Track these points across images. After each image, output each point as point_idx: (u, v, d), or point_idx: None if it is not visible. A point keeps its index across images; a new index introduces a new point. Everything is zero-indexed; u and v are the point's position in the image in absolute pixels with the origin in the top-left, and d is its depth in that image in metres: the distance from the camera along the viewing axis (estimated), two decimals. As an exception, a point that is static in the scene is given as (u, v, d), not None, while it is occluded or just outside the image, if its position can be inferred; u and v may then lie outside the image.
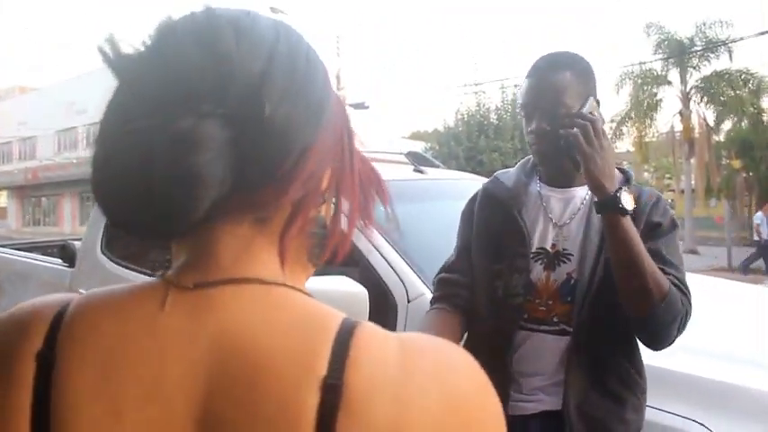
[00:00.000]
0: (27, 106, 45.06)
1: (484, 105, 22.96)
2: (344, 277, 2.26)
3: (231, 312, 0.61)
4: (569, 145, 1.59)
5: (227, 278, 0.62)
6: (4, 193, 47.12)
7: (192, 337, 0.60)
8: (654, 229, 1.65)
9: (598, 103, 1.67)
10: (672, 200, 27.34)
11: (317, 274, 2.20)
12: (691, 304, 1.59)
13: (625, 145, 25.53)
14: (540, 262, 1.74)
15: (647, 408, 1.73)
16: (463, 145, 22.01)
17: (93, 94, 34.93)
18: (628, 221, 1.54)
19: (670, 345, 1.61)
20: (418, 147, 22.95)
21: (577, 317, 1.67)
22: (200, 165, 0.56)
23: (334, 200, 0.69)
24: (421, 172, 3.28)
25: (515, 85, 22.70)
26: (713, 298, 3.05)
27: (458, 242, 1.96)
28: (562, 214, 1.76)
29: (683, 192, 24.21)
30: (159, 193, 0.57)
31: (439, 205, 2.97)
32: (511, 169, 1.92)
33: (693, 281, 3.20)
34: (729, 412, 1.82)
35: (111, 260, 3.63)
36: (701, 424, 1.78)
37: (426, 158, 3.91)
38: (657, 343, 1.61)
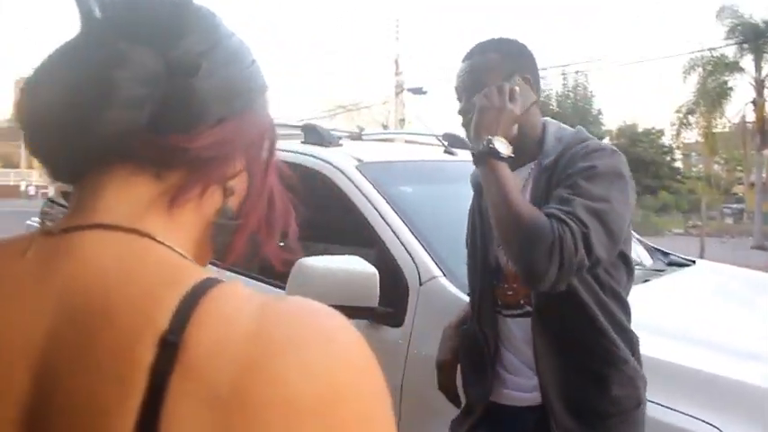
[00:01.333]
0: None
1: (544, 92, 22.49)
2: (356, 257, 2.22)
3: (87, 257, 0.58)
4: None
5: (96, 223, 0.60)
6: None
7: (42, 282, 0.57)
8: (563, 181, 1.57)
9: (529, 81, 1.72)
10: (742, 193, 26.22)
11: (333, 252, 2.16)
12: (577, 232, 1.43)
13: (693, 135, 24.69)
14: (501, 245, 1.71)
15: (654, 405, 1.64)
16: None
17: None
18: (502, 167, 1.54)
19: (545, 279, 1.44)
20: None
21: (534, 296, 1.64)
22: (121, 79, 0.59)
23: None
24: (451, 153, 3.19)
25: (577, 72, 22.19)
26: None
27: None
28: None
29: (752, 185, 23.25)
30: (78, 102, 0.59)
31: (466, 187, 2.88)
32: None
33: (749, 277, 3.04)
34: (745, 415, 1.70)
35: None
36: (714, 426, 1.66)
37: (462, 140, 3.82)
38: (525, 274, 1.49)
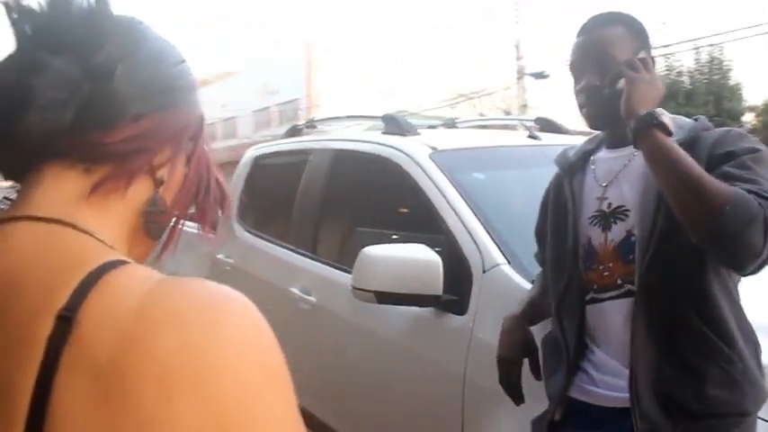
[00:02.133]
0: (228, 89, 48.94)
1: (674, 68, 21.21)
2: (420, 245, 2.23)
3: (13, 244, 0.64)
4: (613, 94, 1.54)
5: (26, 215, 0.66)
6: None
7: None
8: (723, 159, 1.46)
9: (653, 60, 1.61)
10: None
11: (404, 240, 2.18)
12: None
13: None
14: (597, 225, 1.64)
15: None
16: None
17: (283, 75, 37.00)
18: (665, 138, 1.42)
19: (758, 260, 1.34)
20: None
21: (639, 275, 1.52)
22: (35, 85, 0.65)
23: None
24: (535, 138, 3.11)
25: (711, 45, 20.78)
26: None
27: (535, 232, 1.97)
28: (610, 173, 1.65)
29: None
30: (7, 103, 0.66)
31: (543, 172, 2.81)
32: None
33: None
34: None
35: (244, 228, 3.85)
36: None
37: (555, 124, 3.71)
38: (737, 255, 1.36)
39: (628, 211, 1.59)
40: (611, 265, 1.60)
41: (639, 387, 1.49)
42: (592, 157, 1.73)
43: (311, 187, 3.30)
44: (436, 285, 2.14)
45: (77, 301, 0.57)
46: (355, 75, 38.55)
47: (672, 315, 1.50)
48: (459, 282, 2.20)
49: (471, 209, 2.36)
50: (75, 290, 0.58)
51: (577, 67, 1.64)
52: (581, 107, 1.64)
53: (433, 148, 2.71)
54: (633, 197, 1.58)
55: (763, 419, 1.52)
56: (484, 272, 2.17)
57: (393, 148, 2.80)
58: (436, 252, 2.20)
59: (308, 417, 3.09)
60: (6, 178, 0.73)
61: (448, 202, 2.40)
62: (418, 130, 3.02)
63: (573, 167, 1.76)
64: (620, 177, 1.63)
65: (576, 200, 1.69)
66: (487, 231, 2.27)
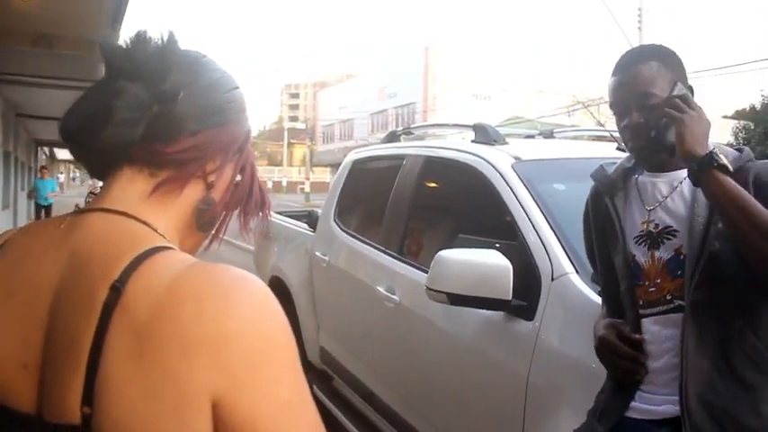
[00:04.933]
0: (347, 91, 50.06)
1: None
2: (493, 251, 2.33)
3: (90, 229, 0.84)
4: (660, 130, 1.60)
5: (101, 207, 0.86)
6: (328, 169, 53.05)
7: (63, 243, 0.83)
8: None
9: (690, 89, 1.67)
10: None
11: (482, 245, 2.31)
12: None
13: None
14: (643, 244, 1.70)
15: None
16: (783, 124, 19.29)
17: (401, 79, 37.31)
18: (728, 180, 1.48)
19: None
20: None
21: (690, 290, 1.58)
22: (115, 106, 0.83)
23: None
24: (623, 150, 3.12)
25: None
26: None
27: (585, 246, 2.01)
28: (657, 196, 1.71)
29: None
30: (94, 119, 0.84)
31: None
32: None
33: None
34: None
35: (341, 228, 4.07)
36: None
37: None
38: None
39: (676, 231, 1.64)
40: (658, 281, 1.66)
41: (690, 401, 1.53)
42: (634, 178, 1.78)
43: (402, 191, 3.46)
44: (506, 290, 2.24)
45: (127, 276, 0.76)
46: (469, 79, 38.42)
47: (725, 330, 1.54)
48: (528, 288, 2.29)
49: (546, 218, 2.43)
50: (127, 267, 0.76)
51: (619, 107, 1.70)
52: (626, 142, 1.72)
53: (517, 158, 2.80)
54: (681, 219, 1.64)
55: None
56: (552, 279, 2.25)
57: (478, 156, 2.91)
58: (509, 259, 2.29)
59: (382, 406, 3.26)
60: (92, 177, 0.93)
61: (524, 211, 2.48)
62: (507, 140, 3.11)
63: (614, 186, 1.81)
64: (667, 202, 1.68)
65: (620, 220, 1.75)
66: (559, 241, 2.34)
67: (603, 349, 1.71)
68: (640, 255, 1.70)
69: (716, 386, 1.52)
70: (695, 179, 1.54)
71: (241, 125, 0.94)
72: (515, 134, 4.46)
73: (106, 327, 0.74)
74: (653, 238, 1.68)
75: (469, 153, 3.01)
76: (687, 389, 1.54)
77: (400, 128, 4.43)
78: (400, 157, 3.67)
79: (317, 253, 4.17)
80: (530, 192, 2.56)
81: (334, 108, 50.99)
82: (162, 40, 0.88)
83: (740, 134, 20.80)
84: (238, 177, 0.95)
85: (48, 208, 15.91)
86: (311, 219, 4.62)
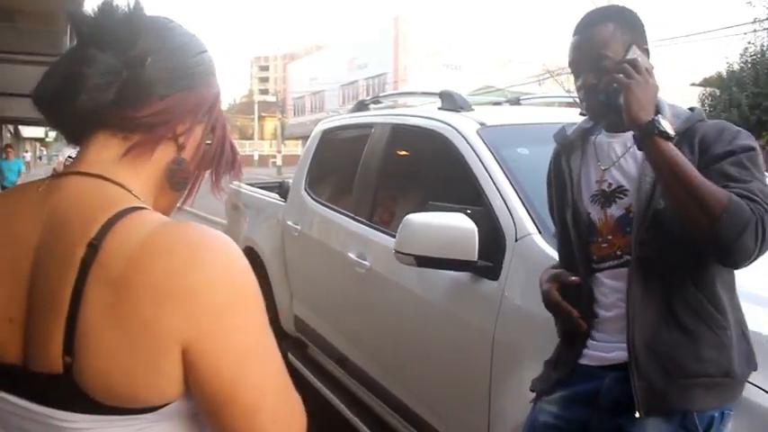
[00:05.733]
0: (317, 63, 49.63)
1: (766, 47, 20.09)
2: (459, 214, 2.39)
3: (67, 192, 0.88)
4: (610, 93, 1.64)
5: (76, 171, 0.91)
6: (300, 142, 52.78)
7: (41, 205, 0.88)
8: (720, 158, 1.59)
9: (646, 51, 1.71)
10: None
11: (450, 209, 2.35)
12: None
13: None
14: (597, 203, 1.77)
15: (751, 386, 1.62)
16: (748, 91, 19.60)
17: (371, 50, 37.16)
18: (669, 146, 1.53)
19: (750, 258, 1.50)
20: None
21: (635, 245, 1.66)
22: (86, 72, 0.87)
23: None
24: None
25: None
26: None
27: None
28: (611, 156, 1.77)
29: None
30: (66, 85, 0.88)
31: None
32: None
33: None
34: None
35: (311, 197, 4.11)
36: (766, 390, 1.62)
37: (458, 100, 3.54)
38: (732, 256, 1.51)
39: (627, 191, 1.72)
40: (610, 237, 1.74)
41: (637, 348, 1.62)
42: (591, 138, 1.85)
43: (371, 159, 3.50)
44: (471, 251, 2.31)
45: (103, 234, 0.81)
46: (439, 49, 38.31)
47: (669, 283, 1.63)
48: (493, 249, 2.36)
49: (510, 181, 2.50)
50: (103, 226, 0.82)
51: (575, 66, 1.76)
52: (581, 101, 1.77)
53: (482, 124, 2.85)
54: (632, 179, 1.71)
55: (754, 384, 1.63)
56: (516, 240, 2.32)
57: (444, 122, 2.96)
58: (476, 222, 2.36)
59: (356, 370, 3.34)
60: (69, 142, 0.97)
61: (489, 175, 2.55)
62: (473, 107, 3.17)
63: (571, 146, 1.88)
64: (620, 161, 1.75)
65: (574, 179, 1.82)
66: (523, 203, 2.41)
67: (548, 303, 1.82)
68: (594, 212, 1.77)
69: (661, 334, 1.61)
70: (639, 144, 1.60)
71: (209, 88, 0.98)
72: (484, 102, 4.53)
73: (84, 281, 0.79)
74: (606, 197, 1.75)
75: (436, 120, 3.06)
76: (634, 337, 1.63)
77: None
78: (369, 126, 3.71)
79: (289, 222, 4.21)
80: (494, 156, 2.63)
81: (304, 80, 50.58)
82: (129, 7, 0.91)
83: (706, 101, 21.08)
84: (210, 138, 0.99)
85: None
86: (282, 189, 4.65)
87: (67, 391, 0.80)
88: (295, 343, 4.27)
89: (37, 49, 9.38)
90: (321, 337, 3.82)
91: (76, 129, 0.93)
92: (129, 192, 0.89)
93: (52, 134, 49.38)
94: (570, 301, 1.77)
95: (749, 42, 20.55)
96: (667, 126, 1.53)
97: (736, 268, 1.60)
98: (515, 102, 4.20)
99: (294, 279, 4.22)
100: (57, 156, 39.49)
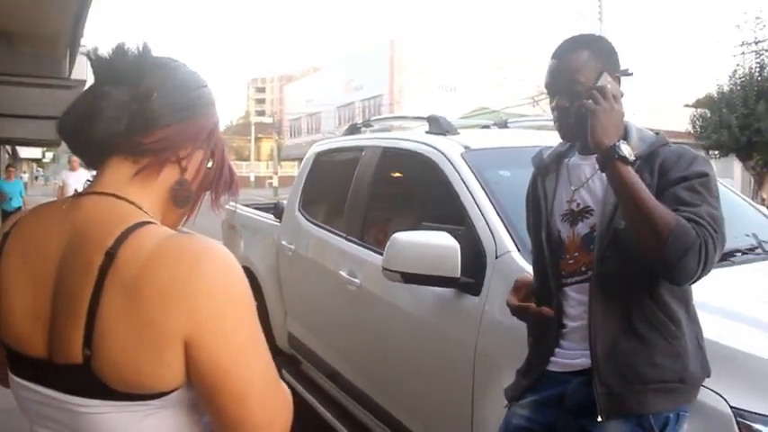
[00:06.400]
0: (313, 85, 49.99)
1: (767, 66, 20.40)
2: (443, 233, 2.53)
3: (85, 210, 1.02)
4: (579, 117, 1.78)
5: (95, 191, 1.05)
6: (296, 164, 52.96)
7: (65, 223, 1.02)
8: (675, 182, 1.73)
9: (617, 78, 1.85)
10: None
11: (426, 228, 2.49)
12: (714, 237, 1.61)
13: None
14: (566, 221, 1.91)
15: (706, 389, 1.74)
16: (738, 112, 19.86)
17: (367, 71, 37.30)
18: (629, 170, 1.66)
19: (692, 278, 1.64)
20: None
21: (597, 263, 1.80)
22: (102, 106, 1.02)
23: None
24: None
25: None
26: None
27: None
28: (581, 177, 1.91)
29: None
30: (85, 117, 1.03)
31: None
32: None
33: None
34: (749, 384, 1.76)
35: (305, 217, 4.24)
36: (718, 393, 1.75)
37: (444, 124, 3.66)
38: (675, 274, 1.65)
39: (592, 210, 1.86)
40: (576, 254, 1.88)
41: (599, 357, 1.76)
42: (565, 161, 1.99)
43: (362, 180, 3.65)
44: (454, 268, 2.44)
45: (118, 245, 0.95)
46: (434, 71, 38.66)
47: (628, 297, 1.77)
48: (475, 266, 2.50)
49: (491, 202, 2.65)
50: (117, 238, 0.95)
51: (550, 89, 1.90)
52: (554, 122, 1.91)
53: (466, 147, 3.01)
54: (597, 200, 1.85)
55: (708, 389, 1.77)
56: (496, 257, 2.46)
57: (430, 146, 3.12)
58: (460, 241, 2.50)
59: (346, 384, 3.46)
60: (88, 166, 1.11)
61: (471, 196, 2.70)
62: (458, 131, 3.32)
63: (547, 168, 2.03)
64: (589, 183, 1.89)
65: (548, 199, 1.97)
66: (503, 222, 2.55)
67: (513, 311, 1.99)
68: (564, 230, 1.91)
69: (620, 344, 1.75)
70: (600, 167, 1.73)
71: (208, 117, 1.12)
72: (473, 125, 4.68)
73: (102, 285, 0.93)
74: (574, 216, 1.89)
75: (422, 143, 3.22)
76: (596, 346, 1.77)
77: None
78: (360, 149, 3.86)
79: (283, 242, 4.34)
80: (477, 178, 2.77)
81: (300, 102, 50.91)
82: (138, 49, 1.06)
83: (697, 122, 21.35)
84: (210, 161, 1.13)
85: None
86: (277, 210, 4.79)
87: (86, 379, 0.94)
88: (289, 360, 4.38)
89: (36, 71, 9.55)
90: (313, 353, 3.94)
91: (94, 154, 1.07)
92: (140, 208, 1.03)
93: (49, 155, 49.63)
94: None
95: (737, 65, 20.84)
96: (627, 151, 1.66)
97: (680, 286, 1.73)
98: (503, 125, 4.36)
99: (288, 297, 4.35)
100: (53, 179, 39.58)
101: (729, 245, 2.66)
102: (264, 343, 1.01)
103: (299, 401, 3.85)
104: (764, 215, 3.35)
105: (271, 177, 48.95)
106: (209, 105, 1.13)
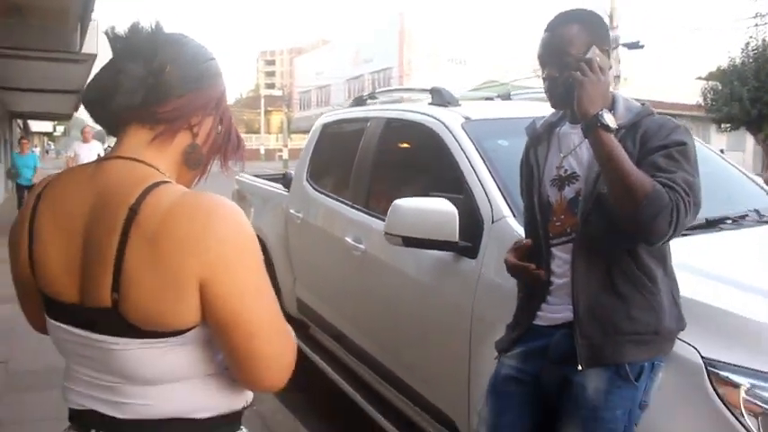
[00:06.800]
0: (323, 57, 49.80)
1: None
2: (441, 199, 2.65)
3: (109, 172, 1.16)
4: (567, 87, 1.89)
5: (117, 155, 1.18)
6: (306, 136, 52.94)
7: (91, 184, 1.15)
8: (654, 150, 1.84)
9: (606, 51, 1.94)
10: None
11: (427, 195, 2.63)
12: (687, 201, 1.73)
13: None
14: (555, 186, 2.04)
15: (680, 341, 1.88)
16: (749, 85, 19.76)
17: (376, 44, 37.03)
18: (611, 138, 1.77)
19: (663, 238, 1.76)
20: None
21: (581, 224, 1.93)
22: (121, 80, 1.15)
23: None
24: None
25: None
26: None
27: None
28: (570, 145, 2.03)
29: None
30: (106, 90, 1.15)
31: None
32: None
33: None
34: (721, 337, 1.88)
35: (312, 186, 4.37)
36: (692, 345, 1.88)
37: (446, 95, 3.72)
38: (647, 235, 1.77)
39: (578, 176, 1.98)
40: (563, 217, 2.01)
41: (581, 312, 1.90)
42: (556, 130, 2.11)
43: (367, 150, 3.77)
44: (453, 233, 2.57)
45: (140, 201, 1.08)
46: (443, 43, 38.42)
47: (609, 256, 1.90)
48: (473, 230, 2.62)
49: (489, 170, 2.76)
50: (139, 195, 1.08)
51: (542, 60, 2.01)
52: (545, 92, 2.03)
53: (467, 118, 3.12)
54: (584, 166, 1.97)
55: (683, 341, 1.91)
56: (493, 222, 2.59)
57: (432, 117, 3.23)
58: (460, 207, 2.62)
59: (352, 346, 3.62)
60: (109, 134, 1.23)
61: (470, 164, 2.82)
62: (460, 102, 3.43)
63: (539, 137, 2.15)
64: (577, 150, 2.00)
65: (539, 166, 2.09)
66: (499, 189, 2.67)
67: (510, 269, 2.09)
68: (552, 195, 2.04)
69: (600, 299, 1.89)
70: (584, 134, 1.84)
71: (217, 87, 1.24)
72: (478, 98, 4.78)
73: (126, 237, 1.06)
74: (561, 181, 2.01)
75: (425, 114, 3.33)
76: (578, 301, 1.90)
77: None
78: (365, 120, 3.97)
79: (292, 210, 4.48)
80: (476, 147, 2.89)
81: (310, 74, 50.79)
82: (151, 27, 1.18)
83: (708, 95, 21.25)
84: (219, 127, 1.25)
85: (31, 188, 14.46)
86: (286, 180, 4.93)
87: (115, 320, 1.07)
88: (298, 325, 4.54)
89: (47, 45, 9.65)
90: (320, 317, 4.10)
91: (114, 124, 1.20)
92: (157, 170, 1.16)
93: (60, 128, 49.82)
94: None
95: (750, 37, 20.65)
96: (610, 120, 1.77)
97: (651, 245, 1.84)
98: (506, 97, 4.45)
99: (297, 264, 4.50)
100: (64, 152, 39.74)
101: (721, 212, 2.81)
102: (270, 288, 1.14)
103: (307, 363, 4.05)
104: (761, 187, 3.46)
105: (281, 150, 49.03)
106: (217, 76, 1.25)
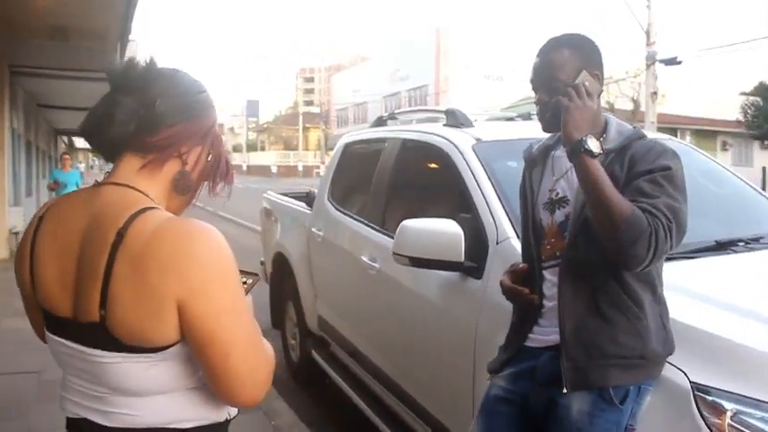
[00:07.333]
0: (360, 74, 50.23)
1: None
2: (448, 220, 2.71)
3: (103, 197, 1.24)
4: (555, 112, 1.92)
5: (111, 182, 1.27)
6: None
7: (87, 207, 1.24)
8: (641, 174, 1.86)
9: (597, 76, 1.96)
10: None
11: (439, 216, 2.71)
12: (667, 227, 1.74)
13: None
14: (547, 210, 2.07)
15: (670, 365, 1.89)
16: (791, 100, 19.34)
17: (413, 61, 37.13)
18: (594, 163, 1.80)
19: (642, 264, 1.76)
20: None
21: (567, 248, 1.96)
22: (114, 113, 1.24)
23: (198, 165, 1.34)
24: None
25: None
26: None
27: None
28: (562, 169, 2.06)
29: None
30: (101, 121, 1.24)
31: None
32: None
33: None
34: (710, 362, 1.89)
35: (333, 206, 4.46)
36: (680, 369, 1.89)
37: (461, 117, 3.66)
38: (626, 260, 1.78)
39: (568, 200, 2.02)
40: (553, 240, 2.04)
41: (566, 334, 1.92)
42: (552, 153, 2.14)
43: (383, 170, 3.85)
44: (458, 253, 2.62)
45: (127, 225, 1.16)
46: (480, 60, 38.41)
47: (595, 280, 1.92)
48: (478, 251, 2.67)
49: (496, 191, 2.81)
50: (127, 219, 1.17)
51: (533, 85, 2.05)
52: (537, 115, 2.07)
53: (478, 140, 3.17)
54: (573, 190, 2.00)
55: (672, 365, 1.92)
56: (497, 243, 2.63)
57: (444, 138, 3.30)
58: (467, 228, 2.67)
59: (367, 362, 3.68)
60: (106, 161, 1.33)
61: (478, 185, 2.87)
62: (473, 123, 3.48)
63: (534, 161, 2.18)
64: (568, 174, 2.03)
65: (533, 189, 2.13)
66: (505, 210, 2.72)
67: (505, 292, 2.13)
68: (544, 218, 2.07)
69: (586, 322, 1.90)
70: (569, 159, 1.87)
71: (206, 118, 1.33)
72: (500, 118, 4.81)
73: (114, 258, 1.14)
74: (553, 204, 2.05)
75: (438, 135, 3.40)
76: (564, 324, 1.93)
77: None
78: (383, 140, 4.06)
79: (314, 229, 4.57)
80: (485, 169, 2.94)
81: (348, 92, 51.26)
82: (146, 62, 1.28)
83: (749, 111, 20.86)
84: (209, 156, 1.33)
85: None
86: (309, 198, 5.03)
87: (102, 335, 1.16)
88: (319, 342, 4.62)
89: (89, 65, 9.99)
90: (339, 334, 4.17)
91: (110, 151, 1.29)
92: (147, 196, 1.24)
93: (104, 145, 50.99)
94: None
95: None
96: (594, 145, 1.80)
97: (630, 270, 1.85)
98: (527, 117, 4.48)
99: (318, 281, 4.58)
100: (106, 168, 40.59)
101: (732, 234, 2.81)
102: (246, 308, 1.21)
103: (328, 380, 4.11)
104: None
105: (318, 167, 49.50)
106: (207, 108, 1.33)
